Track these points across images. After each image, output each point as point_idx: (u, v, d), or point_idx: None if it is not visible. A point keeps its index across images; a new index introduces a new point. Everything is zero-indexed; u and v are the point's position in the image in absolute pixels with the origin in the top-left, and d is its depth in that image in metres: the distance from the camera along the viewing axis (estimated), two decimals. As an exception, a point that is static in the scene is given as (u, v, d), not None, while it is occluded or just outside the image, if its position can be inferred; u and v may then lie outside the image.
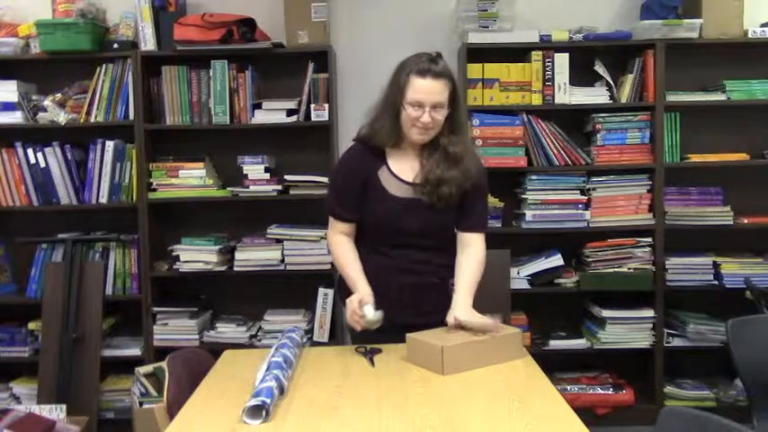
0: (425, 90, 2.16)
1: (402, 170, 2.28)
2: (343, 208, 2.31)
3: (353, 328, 2.18)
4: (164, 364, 2.06)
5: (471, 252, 2.29)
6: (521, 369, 1.99)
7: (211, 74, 3.47)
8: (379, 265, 2.27)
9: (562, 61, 3.46)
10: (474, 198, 2.30)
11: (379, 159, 2.28)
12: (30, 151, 3.49)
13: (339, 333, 3.48)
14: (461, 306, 2.15)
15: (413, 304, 2.26)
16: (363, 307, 2.14)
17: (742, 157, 3.54)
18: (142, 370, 3.31)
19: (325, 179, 3.44)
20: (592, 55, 3.55)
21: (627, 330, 3.50)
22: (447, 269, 2.29)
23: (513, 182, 3.64)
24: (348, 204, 2.29)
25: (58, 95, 3.49)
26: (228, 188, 3.54)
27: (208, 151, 3.60)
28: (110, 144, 3.49)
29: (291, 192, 3.50)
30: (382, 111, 2.25)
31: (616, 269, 3.48)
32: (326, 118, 3.46)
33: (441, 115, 2.20)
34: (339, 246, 2.32)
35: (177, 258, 3.50)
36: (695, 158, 3.52)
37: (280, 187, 3.49)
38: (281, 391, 1.79)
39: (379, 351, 2.14)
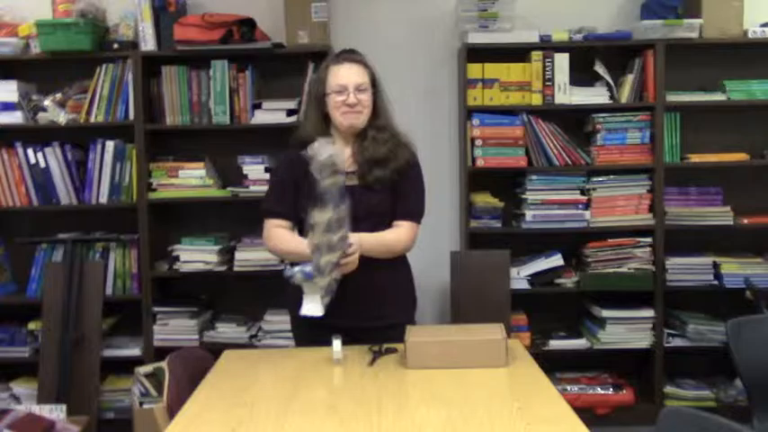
0: (345, 73, 2.27)
1: None
2: (279, 203, 2.33)
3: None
4: (164, 364, 2.06)
5: (393, 229, 2.30)
6: (521, 369, 1.99)
7: (211, 74, 3.46)
8: None
9: (562, 61, 3.46)
10: (407, 187, 2.33)
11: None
12: (30, 151, 3.48)
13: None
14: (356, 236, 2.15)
15: (367, 307, 2.25)
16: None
17: (742, 157, 3.54)
18: (142, 370, 3.31)
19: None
20: (592, 55, 3.55)
21: (627, 330, 3.50)
22: (390, 270, 2.30)
23: (513, 182, 3.64)
24: (283, 200, 2.32)
25: (58, 95, 3.49)
26: (228, 188, 3.54)
27: (208, 151, 3.60)
28: (110, 144, 3.49)
29: (291, 192, 3.50)
30: (308, 108, 2.39)
31: (616, 269, 3.48)
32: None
33: (366, 96, 2.28)
34: (276, 234, 2.32)
35: (177, 258, 3.50)
36: (695, 158, 3.52)
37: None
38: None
39: (394, 351, 2.13)
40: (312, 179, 2.25)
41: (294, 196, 2.31)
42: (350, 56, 2.34)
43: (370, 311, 2.27)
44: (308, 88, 2.36)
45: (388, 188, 2.29)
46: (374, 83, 2.33)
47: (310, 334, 2.30)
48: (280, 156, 2.45)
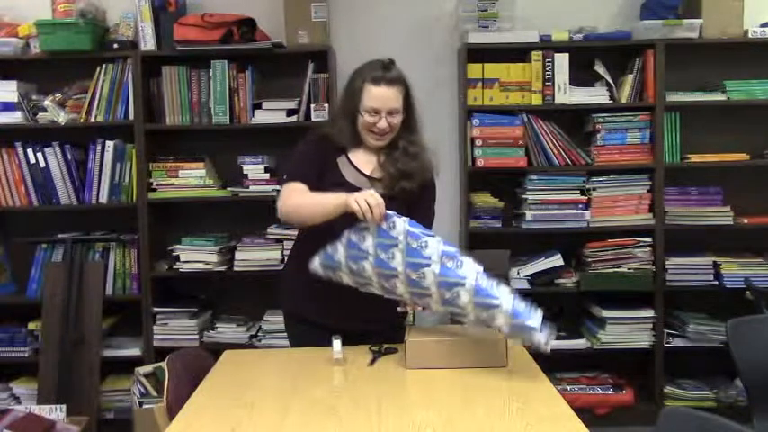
0: (380, 97, 2.19)
1: (361, 163, 2.27)
2: (305, 175, 2.22)
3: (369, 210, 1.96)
4: (164, 364, 2.06)
5: None
6: (521, 369, 1.99)
7: (211, 74, 3.47)
8: None
9: (562, 61, 3.46)
10: (425, 202, 2.31)
11: (339, 149, 2.28)
12: (30, 151, 3.48)
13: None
14: None
15: (360, 308, 2.18)
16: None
17: (742, 157, 3.54)
18: (142, 370, 3.32)
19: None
20: (592, 55, 3.55)
21: (627, 330, 3.50)
22: None
23: (513, 182, 3.64)
24: (308, 176, 2.21)
25: (58, 95, 3.49)
26: (228, 188, 3.54)
27: (208, 151, 3.60)
28: (110, 144, 3.49)
29: (291, 192, 3.50)
30: (340, 116, 2.30)
31: (616, 269, 3.48)
32: (326, 118, 3.45)
33: (396, 120, 2.22)
34: (295, 187, 2.19)
35: (177, 258, 3.50)
36: (695, 158, 3.52)
37: (279, 187, 3.49)
38: None
39: (394, 351, 2.12)
40: (334, 167, 2.23)
41: (318, 171, 2.23)
42: (387, 75, 2.21)
43: (364, 315, 2.22)
44: (341, 97, 2.27)
45: (407, 198, 2.24)
46: (407, 97, 2.25)
47: (304, 335, 2.29)
48: (304, 140, 2.33)
